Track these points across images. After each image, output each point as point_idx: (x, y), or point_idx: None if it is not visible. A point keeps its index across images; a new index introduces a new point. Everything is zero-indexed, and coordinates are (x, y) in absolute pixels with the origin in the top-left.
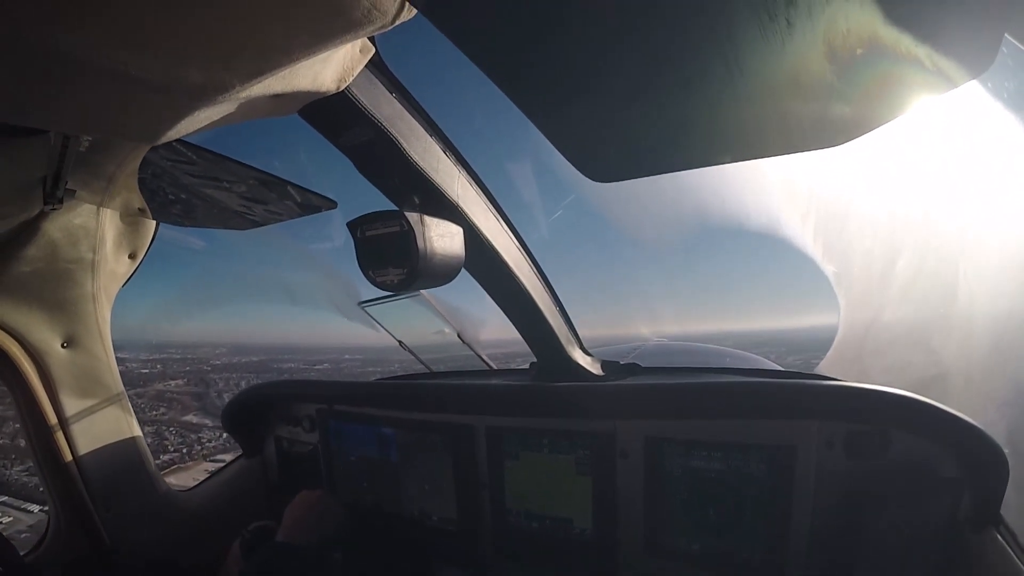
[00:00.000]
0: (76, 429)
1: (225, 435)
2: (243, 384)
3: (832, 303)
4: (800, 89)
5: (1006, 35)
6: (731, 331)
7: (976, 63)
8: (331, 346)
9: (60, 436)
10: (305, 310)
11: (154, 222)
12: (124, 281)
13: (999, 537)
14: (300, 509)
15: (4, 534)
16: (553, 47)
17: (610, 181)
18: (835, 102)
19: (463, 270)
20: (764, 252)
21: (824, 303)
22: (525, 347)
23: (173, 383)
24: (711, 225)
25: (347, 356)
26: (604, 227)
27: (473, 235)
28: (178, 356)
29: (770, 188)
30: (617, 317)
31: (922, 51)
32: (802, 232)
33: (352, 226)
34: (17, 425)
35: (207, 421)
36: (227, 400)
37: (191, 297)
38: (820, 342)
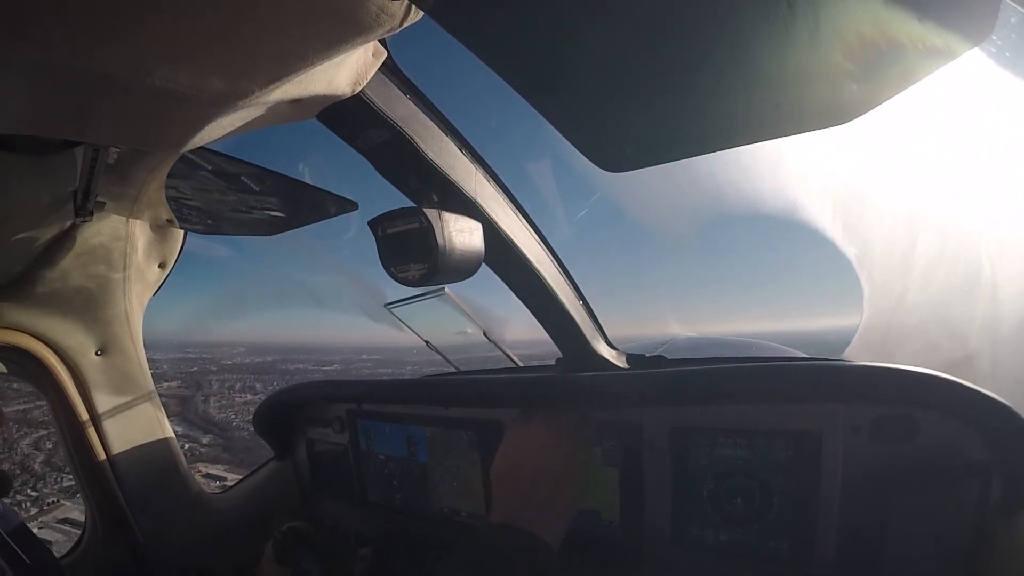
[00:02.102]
0: (111, 434)
1: (188, 446)
2: (238, 387)
3: (858, 295)
4: (805, 69)
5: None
6: (764, 332)
7: (977, 30)
8: (349, 346)
9: (96, 441)
10: (329, 311)
11: (182, 232)
12: (155, 290)
13: None
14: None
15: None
16: (556, 36)
17: (623, 171)
18: (841, 80)
19: (485, 267)
20: (788, 244)
21: (854, 301)
22: (551, 347)
23: (164, 385)
24: (732, 216)
25: (364, 356)
26: (632, 228)
27: (492, 230)
28: (193, 355)
29: (786, 176)
30: (650, 318)
31: (922, 21)
32: (821, 220)
33: (373, 224)
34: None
35: (178, 429)
36: (212, 405)
37: (218, 300)
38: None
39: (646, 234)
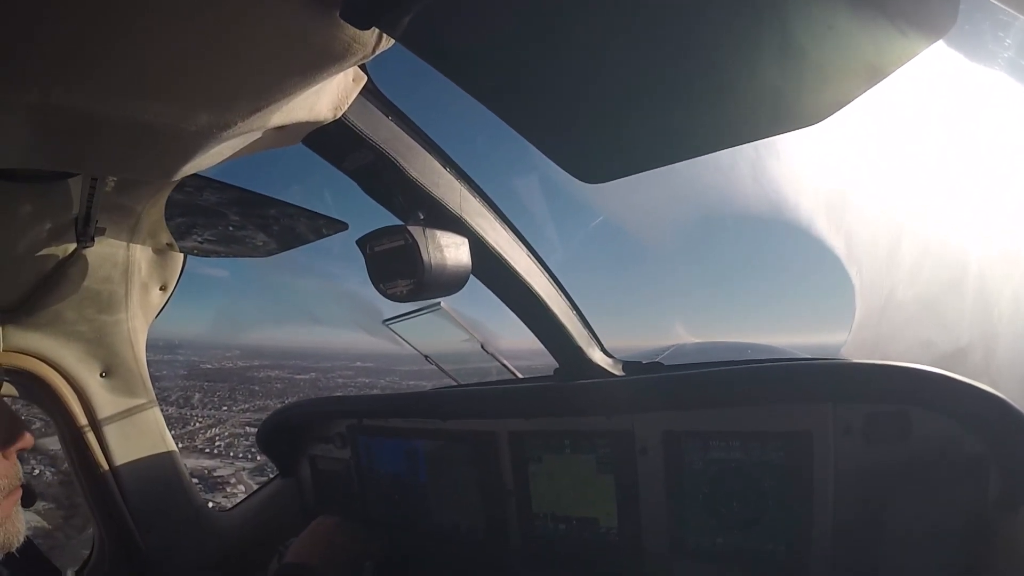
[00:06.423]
0: (117, 454)
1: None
2: (173, 398)
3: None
4: (776, 73)
5: None
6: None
7: (939, 21)
8: (347, 352)
9: (103, 462)
10: (329, 325)
11: (182, 255)
12: (157, 312)
13: None
14: (320, 546)
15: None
16: (525, 55)
17: (602, 181)
18: (811, 81)
19: (477, 281)
20: (774, 247)
21: (849, 319)
22: (549, 356)
23: None
24: (719, 223)
25: (358, 363)
26: (625, 241)
27: (479, 244)
28: (182, 358)
29: (768, 179)
30: (658, 331)
31: (886, 16)
32: (809, 219)
33: (361, 243)
34: None
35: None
36: None
37: (222, 314)
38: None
39: (638, 246)
